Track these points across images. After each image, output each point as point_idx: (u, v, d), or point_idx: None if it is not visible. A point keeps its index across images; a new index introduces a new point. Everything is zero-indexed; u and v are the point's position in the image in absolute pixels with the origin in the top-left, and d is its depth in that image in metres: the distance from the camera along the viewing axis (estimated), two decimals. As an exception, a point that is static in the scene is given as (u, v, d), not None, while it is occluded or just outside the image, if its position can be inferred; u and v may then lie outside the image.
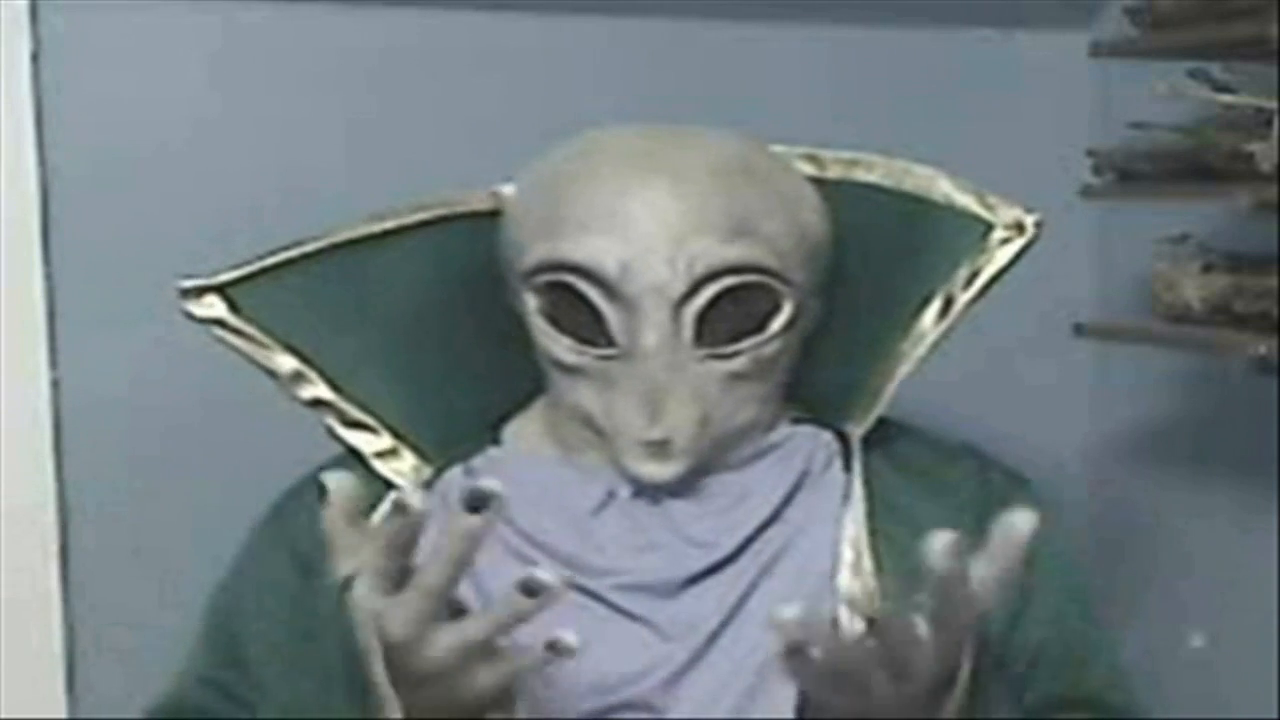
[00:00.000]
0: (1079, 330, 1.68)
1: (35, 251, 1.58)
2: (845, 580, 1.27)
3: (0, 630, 1.59)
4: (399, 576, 1.06)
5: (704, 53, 1.73)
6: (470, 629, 1.07)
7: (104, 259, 1.60)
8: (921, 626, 1.05)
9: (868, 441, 1.33)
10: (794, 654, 1.02)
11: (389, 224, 1.36)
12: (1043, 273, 1.35)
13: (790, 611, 1.02)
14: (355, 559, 1.07)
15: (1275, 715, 1.59)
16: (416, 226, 1.36)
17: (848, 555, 1.28)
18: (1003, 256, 1.29)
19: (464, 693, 1.09)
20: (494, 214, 1.36)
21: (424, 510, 1.04)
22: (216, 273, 1.33)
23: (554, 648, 1.06)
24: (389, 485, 1.33)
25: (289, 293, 1.33)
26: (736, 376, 1.29)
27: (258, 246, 1.34)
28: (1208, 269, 1.53)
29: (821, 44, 1.76)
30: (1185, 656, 1.73)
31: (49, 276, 1.59)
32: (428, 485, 1.33)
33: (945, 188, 1.33)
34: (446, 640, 1.07)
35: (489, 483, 1.04)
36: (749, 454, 1.32)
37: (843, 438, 1.34)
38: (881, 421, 1.33)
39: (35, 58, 1.57)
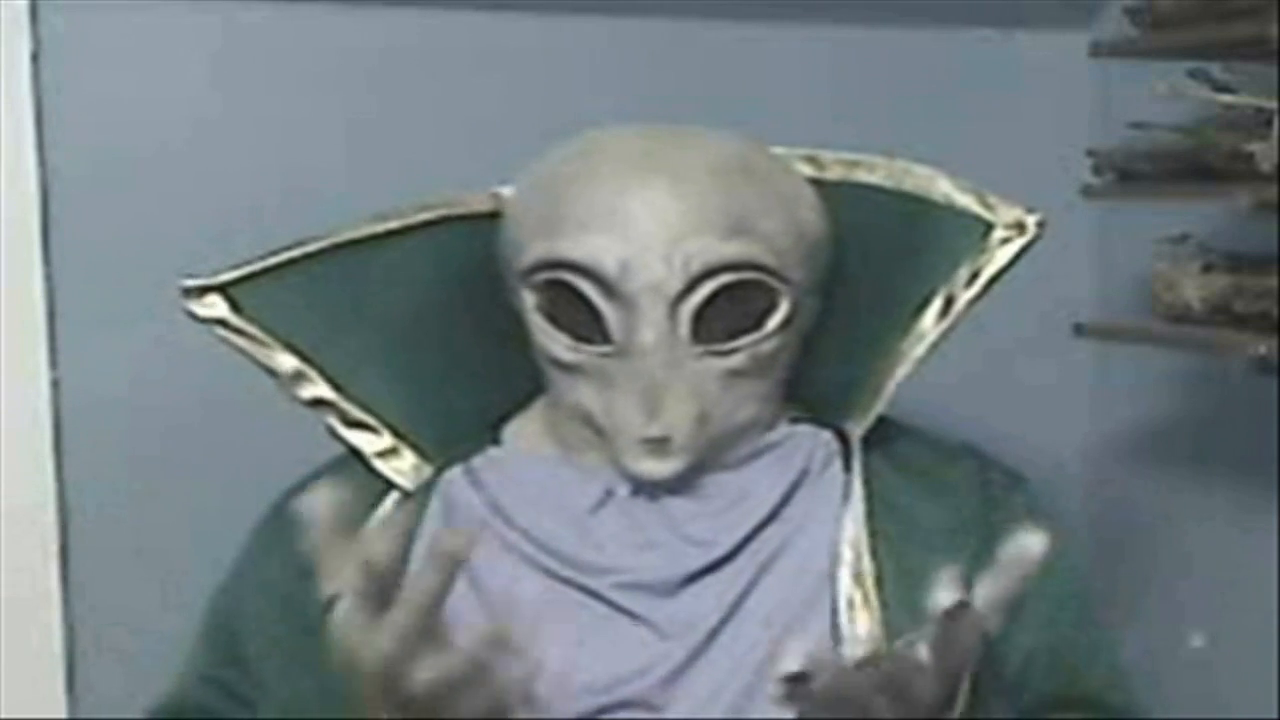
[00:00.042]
0: (1079, 330, 1.68)
1: (35, 251, 1.58)
2: (844, 580, 1.27)
3: (0, 630, 1.59)
4: (380, 601, 1.06)
5: (704, 53, 1.73)
6: (448, 659, 1.06)
7: (104, 259, 1.60)
8: (923, 652, 1.05)
9: (867, 441, 1.33)
10: (794, 682, 1.02)
11: (389, 224, 1.36)
12: (1043, 273, 1.35)
13: (792, 650, 1.01)
14: (338, 580, 1.07)
15: (1275, 715, 1.59)
16: (417, 227, 1.37)
17: (847, 555, 1.28)
18: (1003, 256, 1.29)
19: (446, 718, 1.09)
20: (494, 215, 1.36)
21: (391, 553, 1.04)
22: (218, 272, 1.33)
23: (535, 675, 1.06)
24: (390, 485, 1.33)
25: (290, 292, 1.34)
26: (735, 374, 1.29)
27: (258, 246, 1.34)
28: (1208, 269, 1.53)
29: (821, 44, 1.76)
30: (1185, 656, 1.73)
31: (49, 276, 1.59)
32: (428, 485, 1.33)
33: (945, 188, 1.33)
34: (427, 669, 1.06)
35: (452, 542, 1.04)
36: (748, 453, 1.32)
37: (842, 437, 1.34)
38: (881, 421, 1.33)
39: (35, 58, 1.57)
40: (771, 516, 1.29)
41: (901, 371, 1.30)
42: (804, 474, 1.32)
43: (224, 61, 1.63)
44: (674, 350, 1.27)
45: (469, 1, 1.67)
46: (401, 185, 1.42)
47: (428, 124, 1.67)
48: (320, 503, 1.07)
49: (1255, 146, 1.43)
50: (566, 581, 1.27)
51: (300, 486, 1.33)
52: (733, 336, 1.29)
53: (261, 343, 1.33)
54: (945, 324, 1.29)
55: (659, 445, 1.27)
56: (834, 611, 1.26)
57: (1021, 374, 1.83)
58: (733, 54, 1.74)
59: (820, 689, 1.02)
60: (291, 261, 1.34)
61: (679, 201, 1.26)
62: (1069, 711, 1.33)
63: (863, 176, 1.37)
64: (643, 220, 1.26)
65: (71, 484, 1.62)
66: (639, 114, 1.37)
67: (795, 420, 1.36)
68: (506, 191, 1.37)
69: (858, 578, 1.27)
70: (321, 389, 1.34)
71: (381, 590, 1.05)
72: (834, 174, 1.37)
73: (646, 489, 1.30)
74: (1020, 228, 1.29)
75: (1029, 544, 1.04)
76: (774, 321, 1.30)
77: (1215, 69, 1.52)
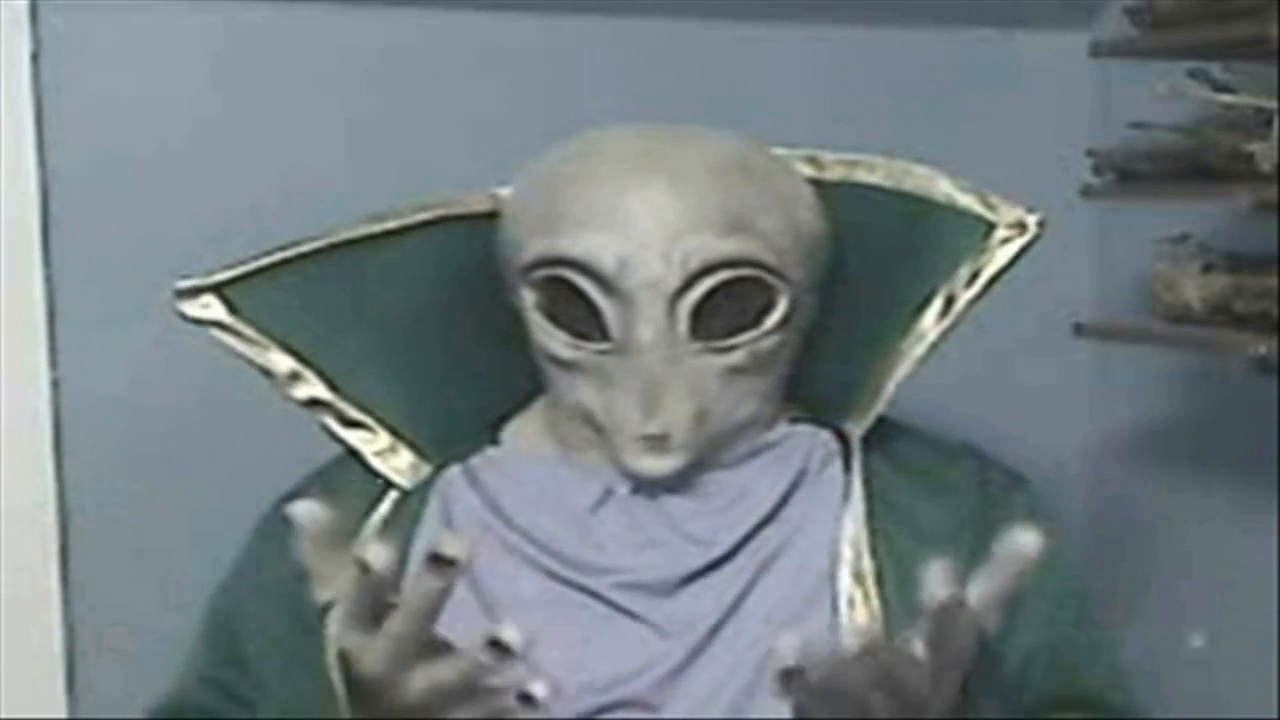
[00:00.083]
0: (1079, 330, 1.68)
1: (35, 251, 1.58)
2: (844, 579, 1.27)
3: (0, 630, 1.59)
4: (373, 613, 1.05)
5: (704, 53, 1.73)
6: (440, 674, 1.06)
7: (104, 259, 1.61)
8: (919, 648, 1.05)
9: (867, 441, 1.33)
10: (791, 675, 1.02)
11: (387, 224, 1.36)
12: (1043, 273, 1.35)
13: (788, 642, 1.01)
14: (331, 587, 1.07)
15: (1275, 715, 1.59)
16: (415, 227, 1.37)
17: (847, 554, 1.28)
18: (1004, 256, 1.29)
19: None
20: (492, 215, 1.36)
21: (386, 564, 1.03)
22: (213, 273, 1.33)
23: (525, 698, 1.05)
24: (388, 484, 1.33)
25: (286, 293, 1.34)
26: (733, 371, 1.29)
27: (258, 246, 1.35)
28: (1208, 269, 1.53)
29: (821, 44, 1.76)
30: (1185, 656, 1.73)
31: (49, 277, 1.59)
32: (427, 484, 1.33)
33: (946, 188, 1.33)
34: (418, 682, 1.06)
35: (450, 545, 1.03)
36: (747, 451, 1.32)
37: (842, 437, 1.34)
38: (881, 421, 1.33)
39: (35, 58, 1.57)
40: (771, 516, 1.30)
41: (901, 371, 1.30)
42: (803, 473, 1.32)
43: (224, 61, 1.63)
44: (673, 347, 1.27)
45: (469, 1, 1.67)
46: (401, 185, 1.42)
47: (428, 124, 1.67)
48: (309, 512, 1.07)
49: (1255, 146, 1.43)
50: (566, 582, 1.27)
51: (300, 487, 1.34)
52: (731, 334, 1.29)
53: (257, 343, 1.33)
54: (945, 324, 1.29)
55: (658, 442, 1.27)
56: (834, 610, 1.26)
57: (1021, 374, 1.83)
58: (733, 54, 1.74)
59: (816, 682, 1.02)
60: (287, 261, 1.34)
61: (678, 200, 1.27)
62: (1069, 711, 1.33)
63: (863, 176, 1.37)
64: (641, 218, 1.26)
65: (71, 484, 1.62)
66: (639, 114, 1.37)
67: (795, 420, 1.36)
68: (505, 191, 1.37)
69: (858, 577, 1.27)
70: (318, 389, 1.34)
71: (376, 599, 1.05)
72: (834, 174, 1.37)
73: (646, 487, 1.30)
74: (1021, 227, 1.29)
75: (1025, 541, 1.04)
76: (772, 319, 1.30)
77: (1215, 69, 1.52)
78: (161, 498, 1.65)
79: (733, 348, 1.29)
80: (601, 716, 1.24)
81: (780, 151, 1.36)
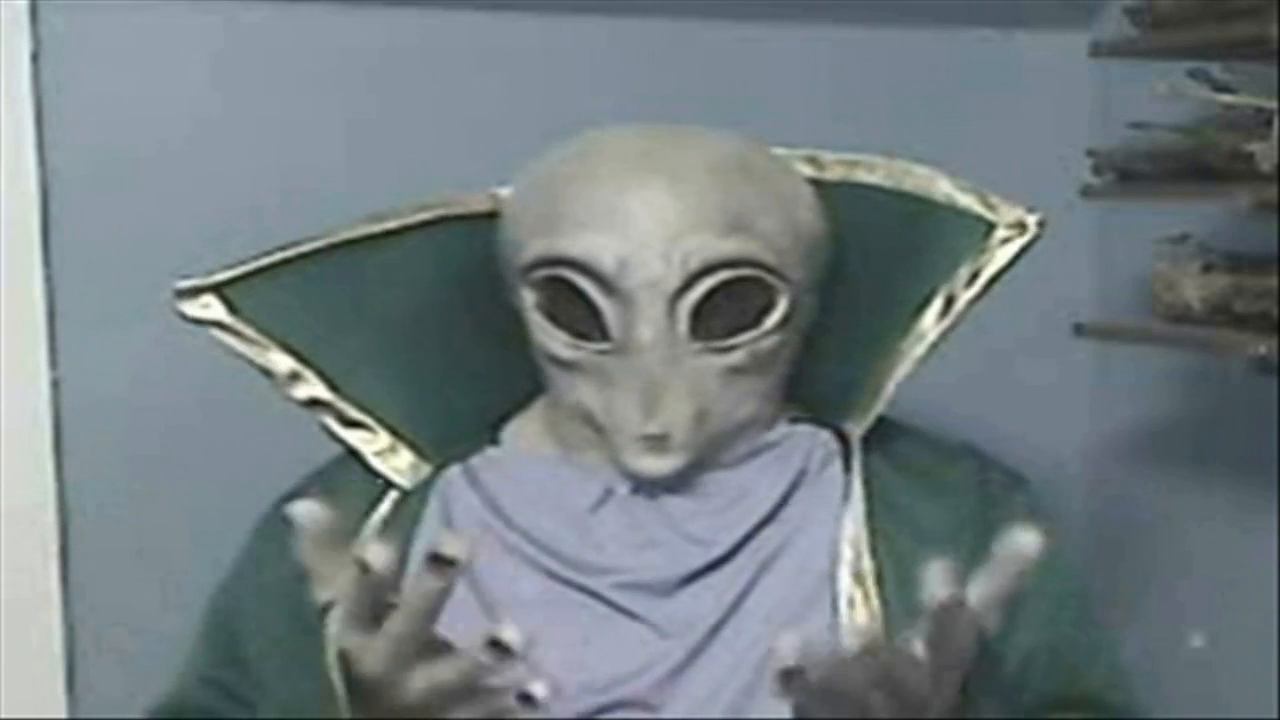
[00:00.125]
0: (1079, 330, 1.68)
1: (35, 251, 1.58)
2: (844, 579, 1.27)
3: (0, 630, 1.59)
4: (373, 613, 1.06)
5: (704, 53, 1.73)
6: (440, 674, 1.06)
7: (104, 259, 1.61)
8: (919, 648, 1.05)
9: (867, 441, 1.33)
10: (791, 675, 1.02)
11: (386, 225, 1.36)
12: (1043, 273, 1.35)
13: (788, 642, 1.01)
14: (331, 587, 1.07)
15: (1275, 715, 1.59)
16: (414, 227, 1.37)
17: (847, 554, 1.28)
18: (1004, 256, 1.29)
19: None
20: (491, 215, 1.36)
21: (386, 564, 1.03)
22: (212, 273, 1.33)
23: (525, 698, 1.05)
24: (388, 484, 1.33)
25: (286, 293, 1.34)
26: (733, 371, 1.29)
27: (258, 246, 1.35)
28: (1208, 269, 1.53)
29: (821, 44, 1.76)
30: (1185, 656, 1.73)
31: (49, 277, 1.59)
32: (427, 484, 1.33)
33: (946, 188, 1.33)
34: (418, 682, 1.06)
35: (450, 545, 1.03)
36: (746, 451, 1.32)
37: (842, 437, 1.34)
38: (881, 421, 1.33)
39: (35, 58, 1.57)
40: (771, 516, 1.30)
41: (901, 371, 1.30)
42: (803, 473, 1.32)
43: (224, 61, 1.63)
44: (672, 347, 1.27)
45: (469, 1, 1.67)
46: (401, 185, 1.42)
47: (428, 124, 1.67)
48: (309, 512, 1.07)
49: (1255, 146, 1.43)
50: (566, 582, 1.27)
51: (300, 487, 1.34)
52: (731, 334, 1.29)
53: (256, 343, 1.33)
54: (945, 324, 1.29)
55: (658, 442, 1.27)
56: (834, 610, 1.26)
57: (1021, 374, 1.83)
58: (733, 54, 1.74)
59: (816, 683, 1.02)
60: (287, 261, 1.34)
61: (678, 200, 1.27)
62: (1069, 711, 1.33)
63: (863, 176, 1.37)
64: (641, 218, 1.26)
65: (71, 484, 1.62)
66: (639, 114, 1.37)
67: (794, 420, 1.36)
68: (504, 191, 1.37)
69: (858, 577, 1.27)
70: (318, 389, 1.34)
71: (376, 599, 1.05)
72: (834, 174, 1.37)
73: (646, 487, 1.30)
74: (1021, 227, 1.29)
75: (1024, 541, 1.04)
76: (772, 319, 1.30)
77: (1215, 69, 1.52)
78: (161, 498, 1.65)
79: (733, 348, 1.29)
80: (601, 716, 1.24)
81: (780, 151, 1.36)
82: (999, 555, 1.05)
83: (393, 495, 1.33)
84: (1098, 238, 1.82)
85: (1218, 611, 1.72)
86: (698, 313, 1.27)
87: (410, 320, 1.37)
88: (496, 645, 1.02)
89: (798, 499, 1.31)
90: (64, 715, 1.63)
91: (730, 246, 1.27)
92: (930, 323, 1.30)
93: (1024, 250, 1.29)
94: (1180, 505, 1.77)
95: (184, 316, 1.33)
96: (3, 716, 1.58)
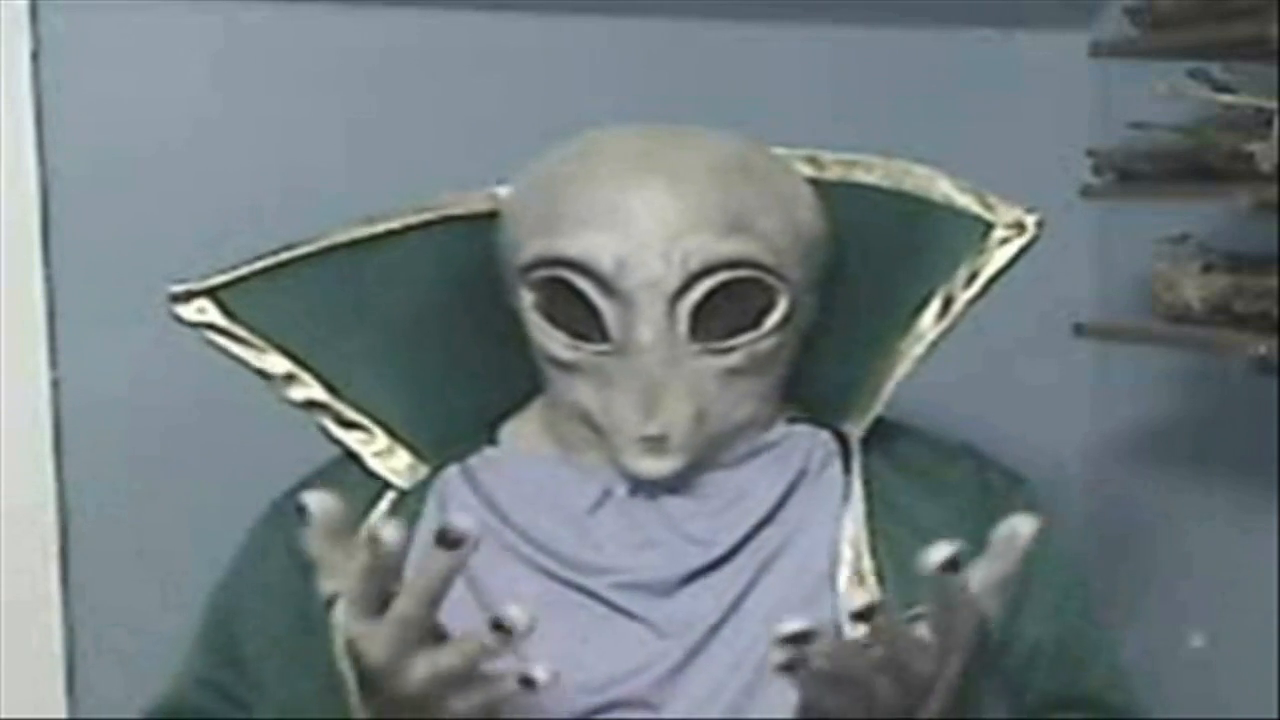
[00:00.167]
0: (1079, 330, 1.68)
1: (35, 251, 1.58)
2: (844, 579, 1.27)
3: (0, 630, 1.59)
4: (378, 601, 1.07)
5: (704, 53, 1.73)
6: (442, 659, 1.07)
7: (104, 259, 1.61)
8: (923, 630, 1.05)
9: (867, 441, 1.33)
10: (796, 662, 1.02)
11: (383, 226, 1.36)
12: (1043, 273, 1.35)
13: (791, 625, 1.01)
14: (338, 579, 1.08)
15: (1275, 715, 1.59)
16: (412, 228, 1.36)
17: (847, 554, 1.28)
18: (1002, 256, 1.29)
19: (439, 717, 1.09)
20: (490, 215, 1.36)
21: (397, 542, 1.04)
22: (207, 276, 1.33)
23: (526, 682, 1.06)
24: (386, 485, 1.33)
25: (282, 295, 1.34)
26: (732, 372, 1.29)
27: (258, 247, 1.35)
28: (1208, 269, 1.53)
29: (821, 44, 1.76)
30: (1185, 656, 1.73)
31: (49, 277, 1.59)
32: (425, 484, 1.33)
33: (945, 188, 1.33)
34: (421, 669, 1.07)
35: (461, 522, 1.04)
36: (745, 452, 1.32)
37: (841, 438, 1.34)
38: (880, 421, 1.33)
39: (35, 58, 1.57)
40: (770, 516, 1.29)
41: (900, 372, 1.30)
42: (802, 474, 1.32)
43: (224, 61, 1.63)
44: (672, 348, 1.27)
45: (469, 1, 1.67)
46: (401, 185, 1.41)
47: (428, 124, 1.67)
48: (321, 502, 1.07)
49: (1255, 146, 1.43)
50: (565, 582, 1.27)
51: (299, 487, 1.34)
52: (731, 335, 1.29)
53: (252, 346, 1.33)
54: (944, 324, 1.29)
55: (657, 444, 1.27)
56: (834, 611, 1.26)
57: (1021, 374, 1.83)
58: (733, 54, 1.74)
59: (822, 668, 1.02)
60: (282, 264, 1.34)
61: (677, 200, 1.26)
62: (1069, 711, 1.33)
63: (861, 176, 1.37)
64: (641, 218, 1.26)
65: (71, 484, 1.62)
66: (639, 114, 1.37)
67: (793, 420, 1.36)
68: (502, 191, 1.37)
69: (857, 577, 1.27)
70: (315, 391, 1.34)
71: (382, 586, 1.06)
72: (833, 174, 1.37)
73: (645, 488, 1.30)
74: (1020, 228, 1.29)
75: (1019, 525, 1.05)
76: (772, 320, 1.30)
77: (1215, 69, 1.52)
78: (161, 498, 1.65)
79: (732, 349, 1.29)
80: (600, 716, 1.24)
81: (779, 151, 1.36)
82: (996, 540, 1.05)
83: (390, 496, 1.33)
84: (1098, 238, 1.82)
85: (1218, 611, 1.72)
86: (697, 314, 1.27)
87: (408, 321, 1.37)
88: (500, 627, 1.03)
89: (797, 499, 1.31)
90: (64, 716, 1.63)
91: (730, 247, 1.27)
92: (929, 323, 1.30)
93: (1023, 251, 1.29)
94: (1180, 505, 1.77)
95: (179, 320, 1.33)
96: (3, 716, 1.58)
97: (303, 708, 1.19)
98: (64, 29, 1.58)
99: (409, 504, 1.32)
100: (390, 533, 1.05)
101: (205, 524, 1.51)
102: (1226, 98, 1.49)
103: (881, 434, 1.33)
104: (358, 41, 1.65)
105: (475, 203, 1.38)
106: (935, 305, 1.30)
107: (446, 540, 1.04)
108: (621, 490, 1.30)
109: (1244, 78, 1.50)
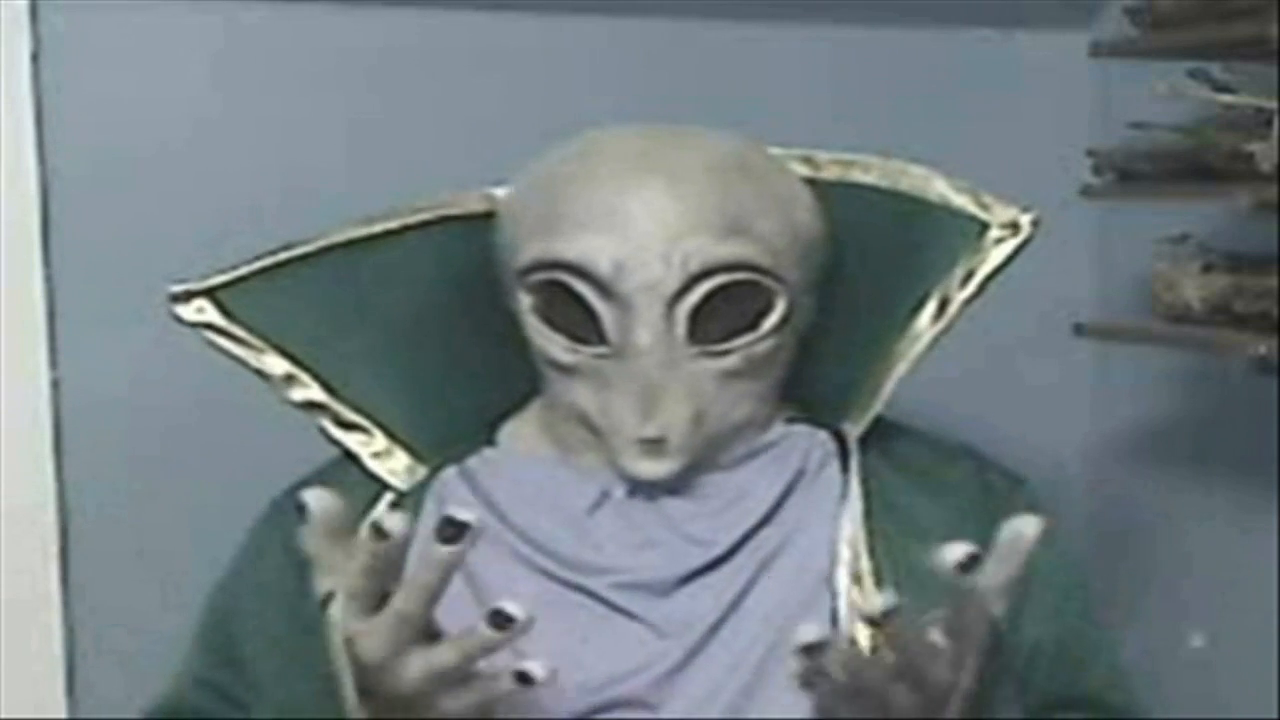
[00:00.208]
0: (1079, 330, 1.68)
1: (35, 251, 1.58)
2: (842, 580, 1.27)
3: (0, 631, 1.59)
4: (376, 598, 1.07)
5: (704, 53, 1.73)
6: (438, 656, 1.07)
7: (104, 259, 1.61)
8: (937, 636, 1.05)
9: (865, 441, 1.33)
10: (813, 676, 1.02)
11: (382, 226, 1.36)
12: (1042, 273, 1.35)
13: (808, 634, 1.01)
14: (335, 577, 1.07)
15: (1275, 715, 1.59)
16: (411, 228, 1.36)
17: (845, 554, 1.28)
18: (998, 256, 1.28)
19: (434, 716, 1.09)
20: (488, 215, 1.36)
21: (402, 533, 1.05)
22: (206, 277, 1.33)
23: (523, 678, 1.06)
24: (385, 486, 1.33)
25: (281, 295, 1.34)
26: (730, 374, 1.29)
27: (257, 247, 1.35)
28: (1208, 269, 1.53)
29: (821, 44, 1.76)
30: (1185, 656, 1.72)
31: (49, 277, 1.59)
32: (423, 485, 1.33)
33: (941, 188, 1.33)
34: (416, 666, 1.07)
35: (463, 514, 1.04)
36: (744, 453, 1.32)
37: (840, 438, 1.34)
38: (879, 421, 1.33)
39: (35, 58, 1.57)
40: (769, 516, 1.29)
41: (898, 372, 1.30)
42: (800, 474, 1.32)
43: (224, 61, 1.63)
44: (670, 351, 1.27)
45: (469, 1, 1.67)
46: (401, 185, 1.41)
47: (428, 124, 1.67)
48: (320, 499, 1.07)
49: (1255, 146, 1.43)
50: (564, 582, 1.27)
51: (298, 487, 1.33)
52: (729, 337, 1.29)
53: (251, 346, 1.33)
54: (941, 324, 1.29)
55: (655, 446, 1.27)
56: (833, 611, 1.26)
57: (1021, 374, 1.83)
58: (733, 54, 1.74)
59: (840, 680, 1.02)
60: (281, 265, 1.34)
61: (676, 201, 1.26)
62: (1069, 711, 1.33)
63: (858, 176, 1.36)
64: (640, 220, 1.26)
65: (71, 484, 1.62)
66: (639, 114, 1.37)
67: (791, 421, 1.36)
68: (500, 192, 1.37)
69: (856, 577, 1.27)
70: (314, 391, 1.34)
71: (380, 583, 1.06)
72: (830, 174, 1.37)
73: (643, 490, 1.30)
74: (1015, 227, 1.29)
75: (1023, 526, 1.05)
76: (770, 322, 1.30)
77: (1215, 69, 1.52)
78: (161, 498, 1.65)
79: (730, 351, 1.29)
80: (599, 716, 1.24)
81: (776, 151, 1.36)
82: (1001, 542, 1.05)
83: (389, 497, 1.33)
84: (1098, 238, 1.82)
85: (1218, 611, 1.72)
86: (695, 316, 1.27)
87: (406, 321, 1.37)
88: (498, 621, 1.03)
89: (796, 499, 1.31)
90: (64, 716, 1.63)
91: (729, 250, 1.27)
92: (926, 323, 1.29)
93: (1019, 250, 1.28)
94: (1180, 505, 1.77)
95: (178, 320, 1.33)
96: (3, 717, 1.58)
97: (301, 708, 1.19)
98: (64, 29, 1.58)
99: (407, 505, 1.31)
100: (395, 522, 1.05)
101: (205, 524, 1.51)
102: (1226, 98, 1.49)
103: (880, 434, 1.33)
104: (358, 41, 1.65)
105: (473, 203, 1.38)
106: (932, 305, 1.29)
107: (448, 532, 1.04)
108: (620, 491, 1.30)
109: (1244, 78, 1.50)
